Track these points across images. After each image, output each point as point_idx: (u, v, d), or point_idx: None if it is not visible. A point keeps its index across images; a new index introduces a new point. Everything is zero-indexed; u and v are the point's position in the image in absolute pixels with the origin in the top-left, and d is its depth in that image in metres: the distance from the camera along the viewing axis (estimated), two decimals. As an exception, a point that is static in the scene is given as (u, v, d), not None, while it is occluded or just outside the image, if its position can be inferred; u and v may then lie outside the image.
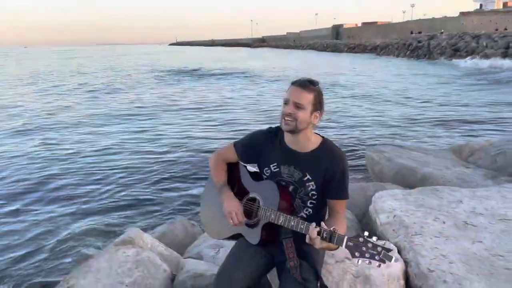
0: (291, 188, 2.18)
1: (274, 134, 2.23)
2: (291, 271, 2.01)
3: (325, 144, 2.14)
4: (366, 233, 1.80)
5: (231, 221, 2.18)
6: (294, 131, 2.06)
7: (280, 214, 2.06)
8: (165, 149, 9.01)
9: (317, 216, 2.18)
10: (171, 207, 5.66)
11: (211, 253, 3.48)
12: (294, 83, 2.05)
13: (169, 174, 7.28)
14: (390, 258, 1.70)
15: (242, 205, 2.26)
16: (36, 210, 6.44)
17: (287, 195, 2.15)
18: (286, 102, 2.04)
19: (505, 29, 43.76)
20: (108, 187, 6.74)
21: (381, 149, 5.17)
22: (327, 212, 2.19)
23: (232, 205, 2.21)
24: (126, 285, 2.73)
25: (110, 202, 6.14)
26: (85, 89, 21.36)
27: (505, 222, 2.94)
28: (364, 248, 1.74)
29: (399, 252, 2.71)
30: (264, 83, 23.65)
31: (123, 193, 6.41)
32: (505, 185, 3.68)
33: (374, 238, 1.78)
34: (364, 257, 1.74)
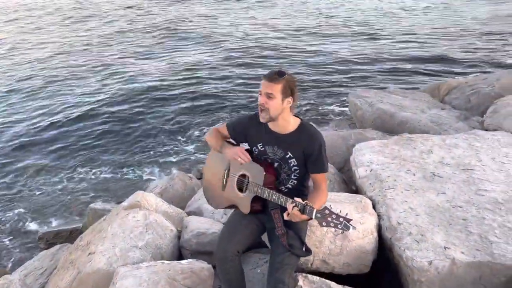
0: (276, 164, 2.51)
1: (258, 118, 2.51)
2: (280, 238, 2.41)
3: (303, 126, 2.45)
4: (331, 205, 2.18)
5: (240, 160, 2.52)
6: (270, 119, 2.37)
7: (265, 189, 2.42)
8: (153, 102, 9.06)
9: (302, 187, 2.55)
10: (168, 162, 6.04)
11: (210, 208, 3.91)
12: (264, 77, 2.33)
13: (161, 129, 7.52)
14: (348, 228, 2.11)
15: (236, 181, 2.61)
16: (39, 163, 6.80)
17: (271, 172, 2.49)
18: (260, 94, 2.34)
19: None
20: (103, 147, 7.01)
21: (362, 94, 5.43)
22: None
23: (234, 149, 2.58)
24: (140, 248, 3.15)
25: (110, 159, 6.48)
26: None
27: (468, 172, 3.34)
28: (329, 219, 2.13)
29: (374, 206, 3.12)
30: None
31: (120, 149, 6.73)
32: (473, 132, 4.03)
33: (339, 210, 2.15)
34: (329, 226, 2.14)
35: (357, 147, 3.94)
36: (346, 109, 6.70)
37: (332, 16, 16.43)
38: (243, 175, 2.59)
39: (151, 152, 6.40)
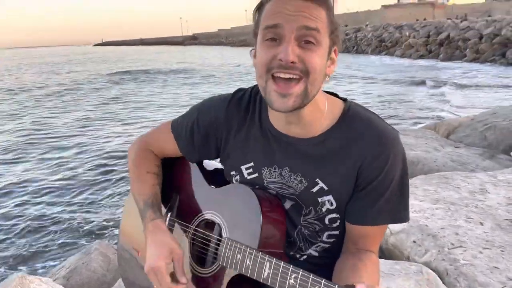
0: (288, 204, 1.09)
1: (248, 104, 1.10)
2: None
3: (351, 118, 1.01)
4: None
5: (155, 285, 1.05)
6: (303, 104, 0.93)
7: (263, 257, 0.96)
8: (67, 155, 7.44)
9: (338, 254, 1.10)
10: (83, 230, 4.26)
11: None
12: None
13: (76, 188, 5.80)
14: None
15: (189, 240, 1.16)
16: None
17: (279, 217, 1.06)
18: (274, 38, 0.89)
19: (424, 19, 46.11)
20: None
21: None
22: (345, 246, 1.09)
23: (160, 252, 1.05)
24: None
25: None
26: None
27: None
28: None
29: (440, 277, 1.74)
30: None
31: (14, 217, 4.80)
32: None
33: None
34: None
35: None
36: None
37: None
38: (209, 223, 1.15)
39: (54, 216, 4.58)
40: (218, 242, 1.09)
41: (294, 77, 0.89)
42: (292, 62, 0.87)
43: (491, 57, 23.78)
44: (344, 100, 1.05)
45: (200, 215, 1.18)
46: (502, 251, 1.84)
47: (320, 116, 1.01)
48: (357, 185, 1.00)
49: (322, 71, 0.92)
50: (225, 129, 1.11)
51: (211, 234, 1.13)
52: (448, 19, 40.06)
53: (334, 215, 1.04)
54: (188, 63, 35.70)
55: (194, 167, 1.24)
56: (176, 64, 34.37)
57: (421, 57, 31.27)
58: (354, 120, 1.00)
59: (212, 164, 1.27)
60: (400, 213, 1.02)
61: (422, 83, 16.17)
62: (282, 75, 0.89)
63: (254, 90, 1.10)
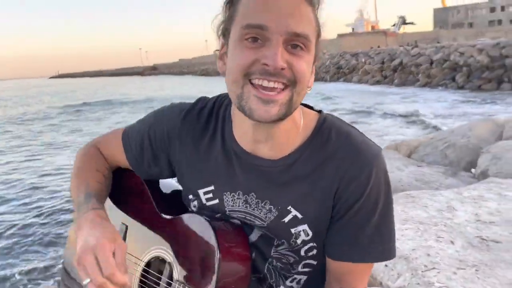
0: (256, 235, 0.94)
1: (209, 117, 0.96)
2: None
3: (327, 129, 0.88)
4: None
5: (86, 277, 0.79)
6: (287, 115, 0.80)
7: None
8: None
9: (320, 285, 0.96)
10: (27, 271, 3.90)
11: None
12: None
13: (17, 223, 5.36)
14: None
15: (137, 280, 1.00)
16: None
17: (242, 250, 0.91)
18: (256, 37, 0.75)
19: (378, 46, 48.35)
20: None
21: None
22: (327, 285, 0.95)
23: (104, 232, 0.84)
24: None
25: None
26: None
27: (534, 230, 2.07)
28: None
29: (416, 305, 1.63)
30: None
31: None
32: (490, 180, 2.91)
33: None
34: None
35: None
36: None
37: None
38: (160, 261, 1.00)
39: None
40: (168, 286, 0.93)
41: (279, 86, 0.76)
42: (282, 69, 0.74)
43: (442, 81, 25.03)
44: (319, 112, 0.93)
45: (150, 251, 1.02)
46: (476, 270, 1.76)
47: (295, 133, 0.87)
48: (335, 212, 0.86)
49: (308, 81, 0.80)
50: (178, 146, 0.96)
51: (160, 276, 0.97)
52: (400, 46, 42.09)
53: (310, 245, 0.91)
54: (147, 93, 35.46)
55: (146, 191, 1.08)
56: (135, 95, 34.09)
57: (377, 82, 32.46)
58: (329, 134, 0.87)
59: (170, 185, 1.13)
60: (389, 244, 0.88)
61: (369, 112, 16.89)
62: (265, 84, 0.75)
63: (218, 101, 0.97)
